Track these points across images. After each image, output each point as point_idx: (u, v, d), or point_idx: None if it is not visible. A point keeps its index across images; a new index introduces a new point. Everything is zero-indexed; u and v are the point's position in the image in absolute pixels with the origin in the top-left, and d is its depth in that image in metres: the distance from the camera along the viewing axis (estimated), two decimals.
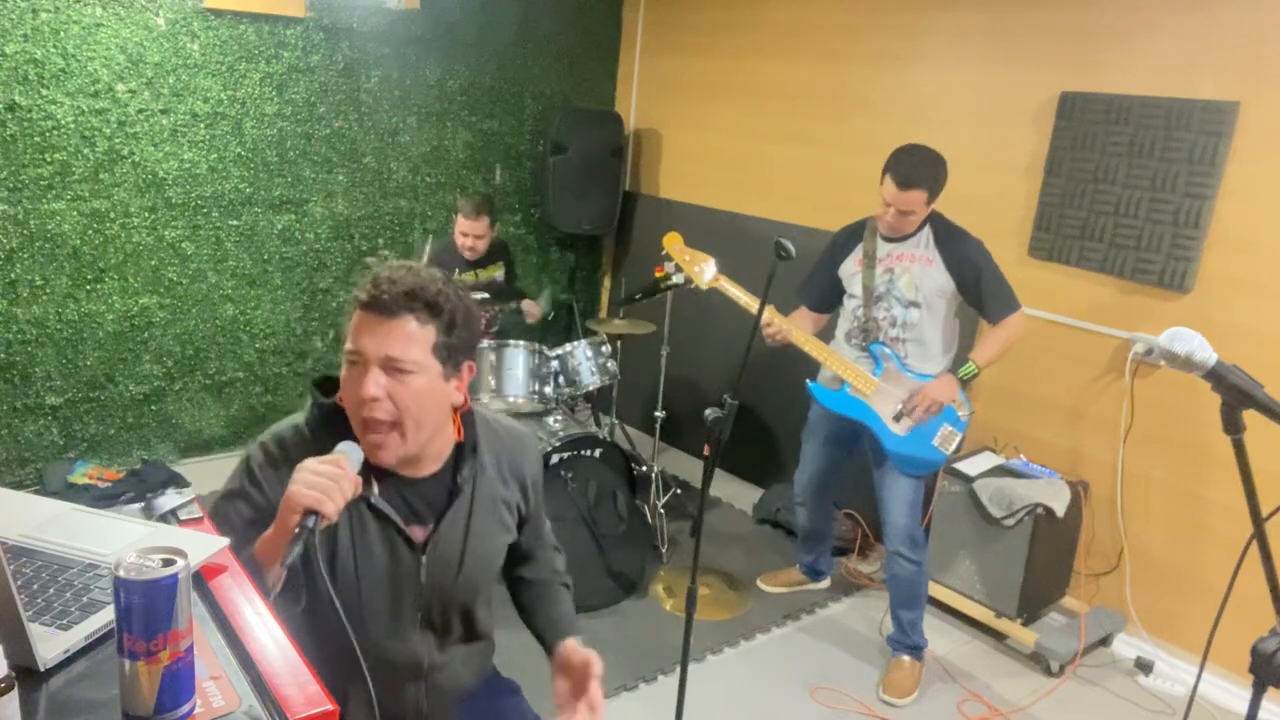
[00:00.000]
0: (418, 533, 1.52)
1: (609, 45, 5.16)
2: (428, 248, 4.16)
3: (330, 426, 1.47)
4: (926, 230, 2.96)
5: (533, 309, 4.20)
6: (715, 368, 4.70)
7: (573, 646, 1.68)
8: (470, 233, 3.94)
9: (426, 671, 1.60)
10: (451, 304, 1.45)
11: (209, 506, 1.52)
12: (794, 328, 2.98)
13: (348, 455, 1.36)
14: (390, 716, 1.56)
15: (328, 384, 1.53)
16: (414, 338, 1.41)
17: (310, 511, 1.28)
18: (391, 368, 1.40)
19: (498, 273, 4.23)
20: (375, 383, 1.39)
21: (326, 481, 1.29)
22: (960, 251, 2.93)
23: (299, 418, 1.54)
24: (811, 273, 3.24)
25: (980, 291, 2.93)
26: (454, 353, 1.46)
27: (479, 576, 1.62)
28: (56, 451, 3.89)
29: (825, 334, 3.17)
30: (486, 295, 3.93)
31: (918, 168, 2.85)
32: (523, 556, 1.80)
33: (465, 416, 1.59)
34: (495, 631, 1.79)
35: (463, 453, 1.57)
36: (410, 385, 1.41)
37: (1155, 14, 3.15)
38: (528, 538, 1.76)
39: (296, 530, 1.27)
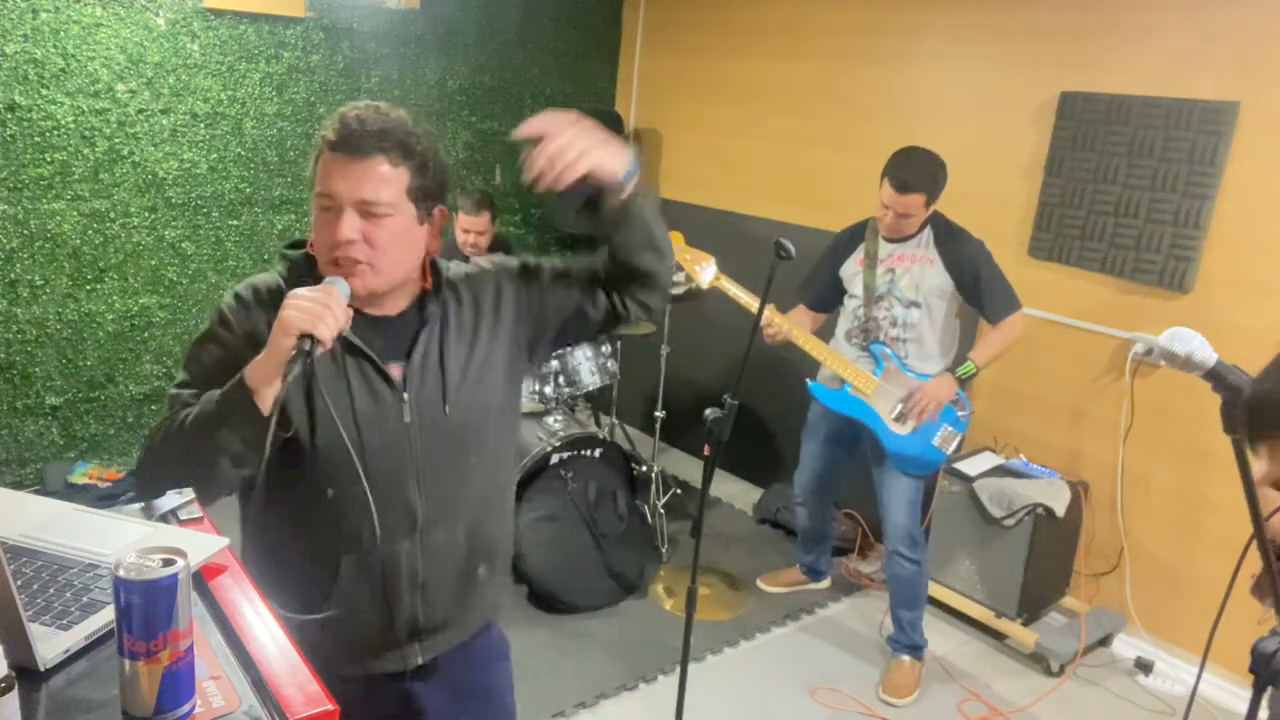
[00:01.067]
0: (395, 370, 1.47)
1: (609, 45, 5.16)
2: None
3: (303, 278, 1.43)
4: (927, 231, 2.96)
5: None
6: (715, 368, 4.70)
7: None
8: (472, 229, 3.93)
9: (421, 527, 1.50)
10: (423, 145, 1.41)
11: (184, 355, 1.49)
12: (794, 327, 2.98)
13: (334, 285, 1.34)
14: (385, 572, 1.48)
15: (295, 245, 1.51)
16: (387, 179, 1.36)
17: (305, 335, 1.25)
18: (366, 210, 1.36)
19: None
20: (350, 225, 1.35)
21: (319, 306, 1.27)
22: (960, 252, 2.93)
23: (271, 273, 1.50)
24: (812, 272, 3.24)
25: (980, 292, 2.93)
26: (427, 195, 1.43)
27: (474, 410, 1.53)
28: (56, 451, 3.89)
29: (825, 333, 3.17)
30: None
31: (915, 172, 2.85)
32: (584, 287, 1.63)
33: (433, 263, 1.54)
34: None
35: (428, 295, 1.52)
36: (386, 228, 1.37)
37: (1155, 14, 3.15)
38: (554, 285, 1.62)
39: (293, 352, 1.24)
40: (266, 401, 1.28)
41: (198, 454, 1.31)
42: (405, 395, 1.46)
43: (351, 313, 1.33)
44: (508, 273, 1.63)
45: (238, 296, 1.45)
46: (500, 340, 1.58)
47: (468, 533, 1.56)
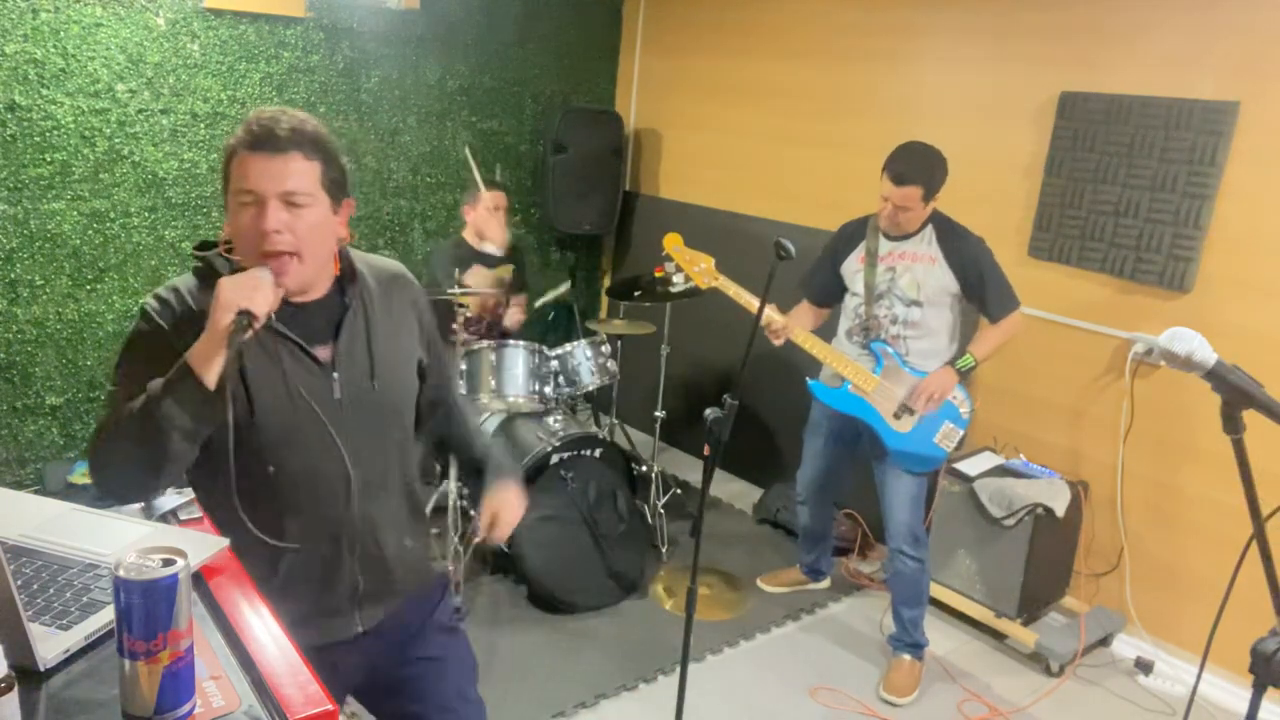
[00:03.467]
0: (322, 352, 1.58)
1: (609, 45, 5.16)
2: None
3: (220, 273, 1.53)
4: (929, 229, 2.97)
5: (515, 314, 4.14)
6: (715, 368, 4.70)
7: (503, 489, 1.82)
8: (501, 205, 4.00)
9: (353, 498, 1.60)
10: (327, 140, 1.54)
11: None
12: (796, 326, 2.99)
13: (260, 272, 1.43)
14: (326, 540, 1.59)
15: (203, 246, 1.60)
16: (304, 172, 1.49)
17: (242, 311, 1.35)
18: (289, 201, 1.47)
19: (506, 275, 4.20)
20: (276, 216, 1.46)
21: (251, 284, 1.39)
22: (963, 251, 2.94)
23: (185, 275, 1.60)
24: (813, 268, 3.24)
25: (984, 290, 2.94)
26: (336, 186, 1.56)
27: (396, 389, 1.67)
28: (56, 451, 3.88)
29: (826, 332, 3.17)
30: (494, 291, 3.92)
31: (912, 164, 2.87)
32: (437, 409, 1.86)
33: (341, 251, 1.67)
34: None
35: (344, 280, 1.65)
36: (306, 218, 1.49)
37: (1155, 14, 3.15)
38: (436, 383, 1.81)
39: (232, 328, 1.34)
40: (209, 377, 1.37)
41: (148, 436, 1.38)
42: (335, 374, 1.58)
43: (281, 293, 1.45)
44: (423, 302, 1.80)
45: (158, 297, 1.55)
46: (417, 344, 1.74)
47: (394, 507, 1.70)
